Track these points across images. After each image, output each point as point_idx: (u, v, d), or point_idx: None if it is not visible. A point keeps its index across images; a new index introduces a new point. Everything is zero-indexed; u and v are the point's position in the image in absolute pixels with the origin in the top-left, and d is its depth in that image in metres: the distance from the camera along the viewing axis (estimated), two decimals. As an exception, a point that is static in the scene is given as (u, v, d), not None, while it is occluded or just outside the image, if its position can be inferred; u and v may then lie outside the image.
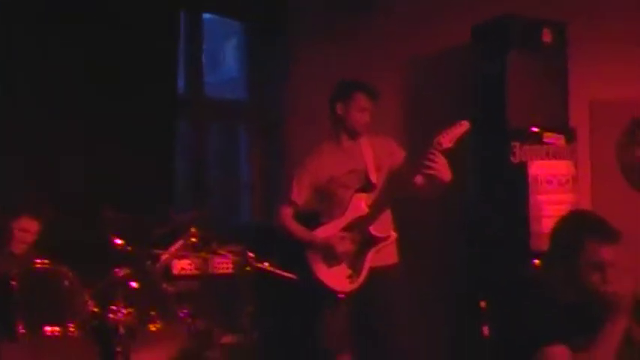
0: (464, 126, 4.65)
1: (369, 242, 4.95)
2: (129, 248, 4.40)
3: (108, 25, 5.74)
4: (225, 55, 8.98)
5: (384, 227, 5.01)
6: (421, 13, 6.37)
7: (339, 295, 4.94)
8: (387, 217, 5.04)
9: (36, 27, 5.39)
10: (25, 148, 5.31)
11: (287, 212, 5.15)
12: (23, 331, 3.87)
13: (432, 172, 4.66)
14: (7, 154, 5.25)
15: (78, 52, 5.57)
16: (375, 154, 5.04)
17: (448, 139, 4.62)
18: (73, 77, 5.51)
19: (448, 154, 4.66)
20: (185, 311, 4.53)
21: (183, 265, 5.29)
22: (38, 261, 4.16)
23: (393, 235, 5.00)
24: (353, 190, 5.01)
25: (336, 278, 4.96)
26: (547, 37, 5.52)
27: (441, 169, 4.66)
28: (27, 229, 4.69)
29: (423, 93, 6.42)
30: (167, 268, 5.05)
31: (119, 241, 4.38)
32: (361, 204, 4.98)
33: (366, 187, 5.01)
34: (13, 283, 3.97)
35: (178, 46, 6.40)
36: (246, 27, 7.48)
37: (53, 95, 5.43)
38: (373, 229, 4.95)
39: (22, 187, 5.15)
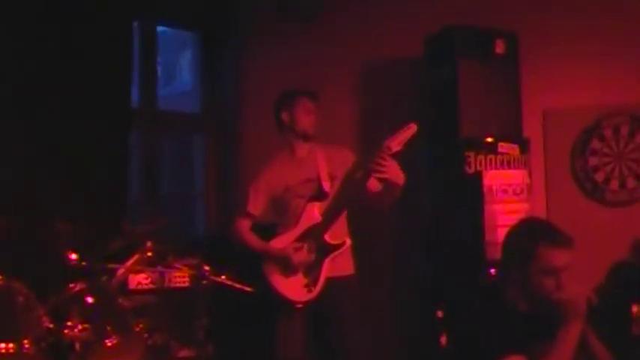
0: (412, 129, 4.66)
1: (324, 250, 4.93)
2: (83, 263, 4.35)
3: (62, 36, 5.71)
4: (180, 67, 8.97)
5: (339, 235, 4.99)
6: (373, 19, 6.41)
7: (297, 305, 4.93)
8: (341, 224, 5.02)
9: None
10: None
11: (244, 224, 5.12)
12: (-25, 349, 3.81)
13: (384, 175, 4.67)
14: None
15: (32, 61, 5.53)
16: (329, 163, 5.03)
17: (397, 142, 4.63)
18: (27, 86, 5.47)
19: (399, 158, 4.68)
20: (141, 325, 4.49)
21: (139, 280, 5.24)
22: (-9, 278, 4.09)
23: (348, 241, 4.98)
24: (306, 200, 5.01)
25: (293, 288, 4.93)
26: (499, 47, 5.58)
27: (393, 171, 4.67)
28: None
29: (376, 100, 6.46)
30: (123, 283, 5.01)
31: (74, 256, 4.34)
32: (314, 212, 4.97)
33: (319, 195, 4.99)
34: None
35: (132, 58, 6.37)
36: (200, 39, 7.47)
37: (4, 104, 5.38)
38: (328, 237, 4.95)
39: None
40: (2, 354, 3.87)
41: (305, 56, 6.59)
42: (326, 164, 5.01)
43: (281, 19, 6.72)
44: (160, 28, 7.02)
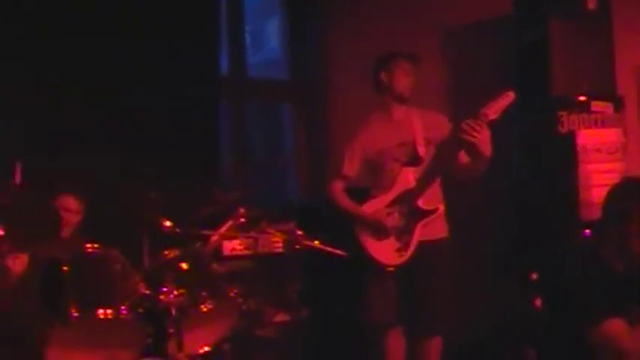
0: (509, 97, 4.61)
1: (417, 215, 4.92)
2: (177, 230, 4.42)
3: (150, 6, 5.83)
4: (267, 35, 8.99)
5: (432, 200, 4.97)
6: None
7: (388, 269, 4.93)
8: (435, 190, 5.00)
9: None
10: (65, 127, 5.39)
11: (338, 186, 5.14)
12: (76, 314, 3.91)
13: (475, 140, 4.63)
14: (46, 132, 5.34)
15: (120, 34, 5.66)
16: (425, 128, 5.00)
17: (493, 110, 4.59)
18: (118, 58, 5.60)
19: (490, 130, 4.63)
20: (235, 291, 4.53)
21: (233, 246, 5.31)
22: (89, 245, 4.19)
23: (441, 208, 4.96)
24: (401, 164, 4.99)
25: (385, 252, 4.94)
26: (591, 3, 5.43)
27: (484, 140, 4.63)
28: (70, 208, 4.78)
29: (464, 63, 6.35)
30: (217, 249, 5.07)
31: (168, 223, 4.40)
32: (409, 177, 4.96)
33: (414, 160, 4.97)
34: (65, 268, 4.01)
35: (220, 27, 6.42)
36: (286, 5, 7.48)
37: (96, 74, 5.53)
38: (421, 203, 4.93)
39: (63, 166, 5.21)
40: (101, 319, 3.96)
41: (392, 21, 6.53)
42: (422, 129, 4.97)
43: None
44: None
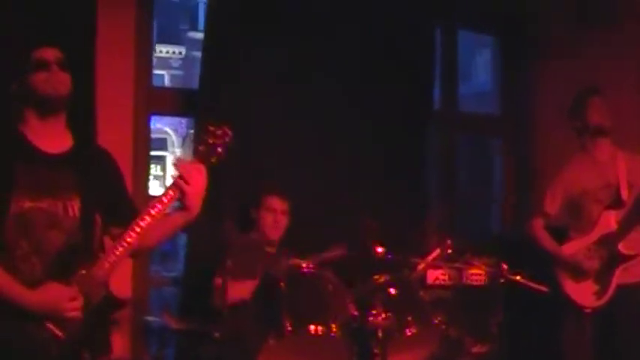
0: None
1: (617, 259, 4.92)
2: (389, 256, 4.59)
3: (370, 40, 6.05)
4: (476, 67, 9.09)
5: (634, 245, 4.94)
6: None
7: (585, 310, 4.94)
8: (636, 234, 4.97)
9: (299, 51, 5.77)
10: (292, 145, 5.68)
11: (538, 223, 5.20)
12: (290, 328, 4.10)
13: None
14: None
15: (337, 65, 5.90)
16: (630, 171, 4.98)
17: None
18: (331, 90, 5.83)
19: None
20: (439, 318, 4.63)
21: (437, 275, 5.42)
22: (304, 264, 4.42)
23: (642, 253, 4.93)
24: (603, 206, 4.99)
25: (583, 293, 4.97)
26: None
27: None
28: (277, 208, 5.01)
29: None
30: (422, 277, 5.21)
31: (380, 249, 4.58)
32: (611, 221, 4.96)
33: (617, 203, 4.97)
34: (282, 284, 4.25)
35: (435, 61, 6.58)
36: (498, 41, 7.55)
37: (311, 109, 5.76)
38: (622, 247, 4.91)
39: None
40: (312, 335, 4.14)
41: (600, 58, 6.47)
42: (626, 171, 4.96)
43: (577, 24, 6.64)
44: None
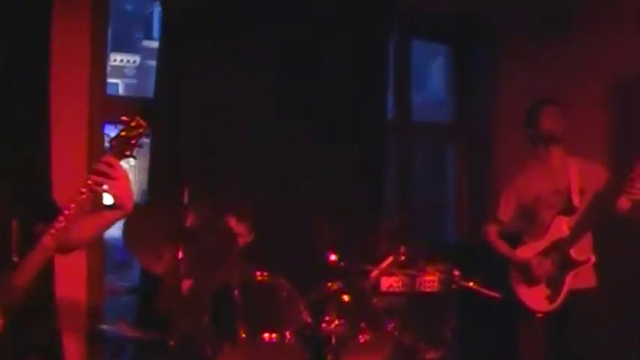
0: None
1: (568, 265, 4.98)
2: (342, 264, 4.62)
3: (323, 52, 6.10)
4: (431, 76, 9.13)
5: (584, 250, 5.02)
6: (625, 28, 6.22)
7: (537, 315, 5.02)
8: (587, 240, 5.05)
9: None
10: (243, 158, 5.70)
11: (492, 229, 5.28)
12: (244, 336, 4.14)
13: (637, 197, 4.67)
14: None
15: (298, 75, 5.94)
16: (581, 177, 5.05)
17: None
18: (287, 100, 5.87)
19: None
20: (392, 325, 4.68)
21: (391, 282, 5.44)
22: (258, 273, 4.44)
23: (592, 258, 4.99)
24: (555, 211, 5.06)
25: (535, 298, 5.04)
26: None
27: None
28: (236, 231, 4.98)
29: (628, 113, 6.24)
30: (375, 284, 5.25)
31: (333, 257, 4.62)
32: (562, 227, 5.03)
33: (568, 209, 5.04)
34: (236, 292, 4.27)
35: (388, 71, 6.65)
36: (451, 50, 7.64)
37: (275, 111, 5.82)
38: (573, 253, 4.99)
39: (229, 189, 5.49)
40: (267, 343, 4.17)
41: (554, 67, 6.55)
42: (578, 177, 5.03)
43: (531, 30, 6.73)
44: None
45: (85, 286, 5.29)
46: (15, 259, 3.23)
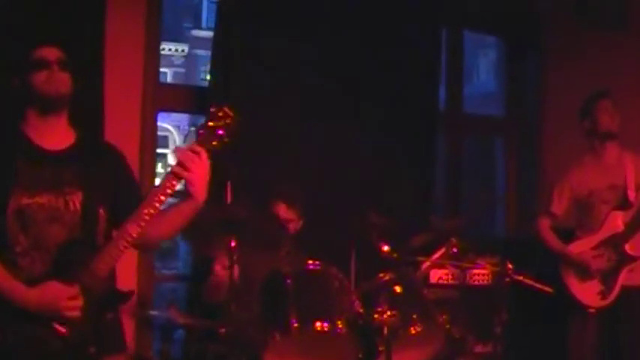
0: None
1: (623, 260, 4.94)
2: (394, 255, 4.61)
3: (379, 41, 6.11)
4: (478, 68, 9.09)
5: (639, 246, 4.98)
6: None
7: (590, 310, 4.97)
8: (643, 235, 5.01)
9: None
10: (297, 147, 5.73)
11: (545, 223, 5.23)
12: (296, 325, 4.11)
13: None
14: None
15: (346, 68, 5.94)
16: (637, 172, 5.01)
17: None
18: (343, 93, 5.87)
19: None
20: (444, 317, 4.64)
21: (440, 275, 5.45)
22: (310, 262, 4.43)
23: (649, 254, 4.96)
24: (610, 206, 5.02)
25: (588, 293, 5.00)
26: None
27: None
28: (283, 216, 4.98)
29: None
30: (426, 276, 5.24)
31: (386, 247, 4.61)
32: (618, 221, 4.99)
33: (624, 204, 5.00)
34: (289, 281, 4.26)
35: (441, 62, 6.63)
36: (502, 43, 7.59)
37: (325, 102, 5.82)
38: (628, 248, 4.94)
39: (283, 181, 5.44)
40: (318, 332, 4.15)
41: (605, 61, 6.49)
42: (634, 172, 4.99)
43: (582, 26, 6.67)
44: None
45: (135, 272, 5.32)
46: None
